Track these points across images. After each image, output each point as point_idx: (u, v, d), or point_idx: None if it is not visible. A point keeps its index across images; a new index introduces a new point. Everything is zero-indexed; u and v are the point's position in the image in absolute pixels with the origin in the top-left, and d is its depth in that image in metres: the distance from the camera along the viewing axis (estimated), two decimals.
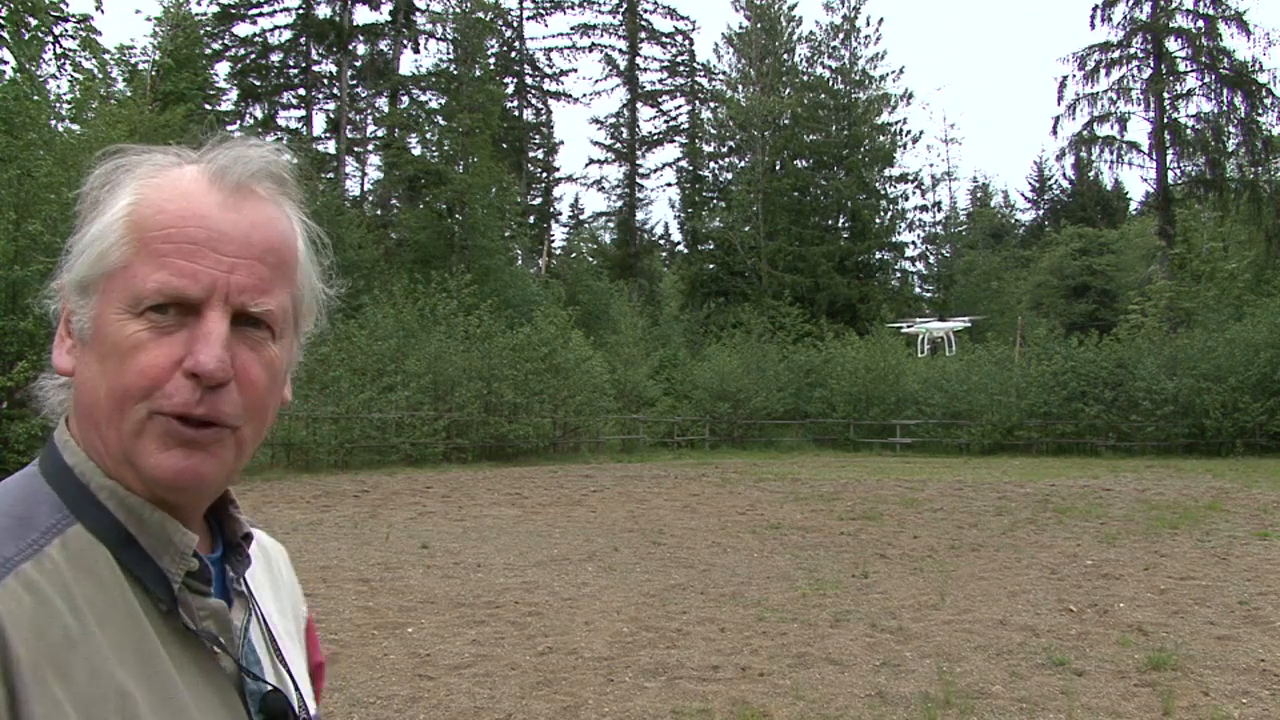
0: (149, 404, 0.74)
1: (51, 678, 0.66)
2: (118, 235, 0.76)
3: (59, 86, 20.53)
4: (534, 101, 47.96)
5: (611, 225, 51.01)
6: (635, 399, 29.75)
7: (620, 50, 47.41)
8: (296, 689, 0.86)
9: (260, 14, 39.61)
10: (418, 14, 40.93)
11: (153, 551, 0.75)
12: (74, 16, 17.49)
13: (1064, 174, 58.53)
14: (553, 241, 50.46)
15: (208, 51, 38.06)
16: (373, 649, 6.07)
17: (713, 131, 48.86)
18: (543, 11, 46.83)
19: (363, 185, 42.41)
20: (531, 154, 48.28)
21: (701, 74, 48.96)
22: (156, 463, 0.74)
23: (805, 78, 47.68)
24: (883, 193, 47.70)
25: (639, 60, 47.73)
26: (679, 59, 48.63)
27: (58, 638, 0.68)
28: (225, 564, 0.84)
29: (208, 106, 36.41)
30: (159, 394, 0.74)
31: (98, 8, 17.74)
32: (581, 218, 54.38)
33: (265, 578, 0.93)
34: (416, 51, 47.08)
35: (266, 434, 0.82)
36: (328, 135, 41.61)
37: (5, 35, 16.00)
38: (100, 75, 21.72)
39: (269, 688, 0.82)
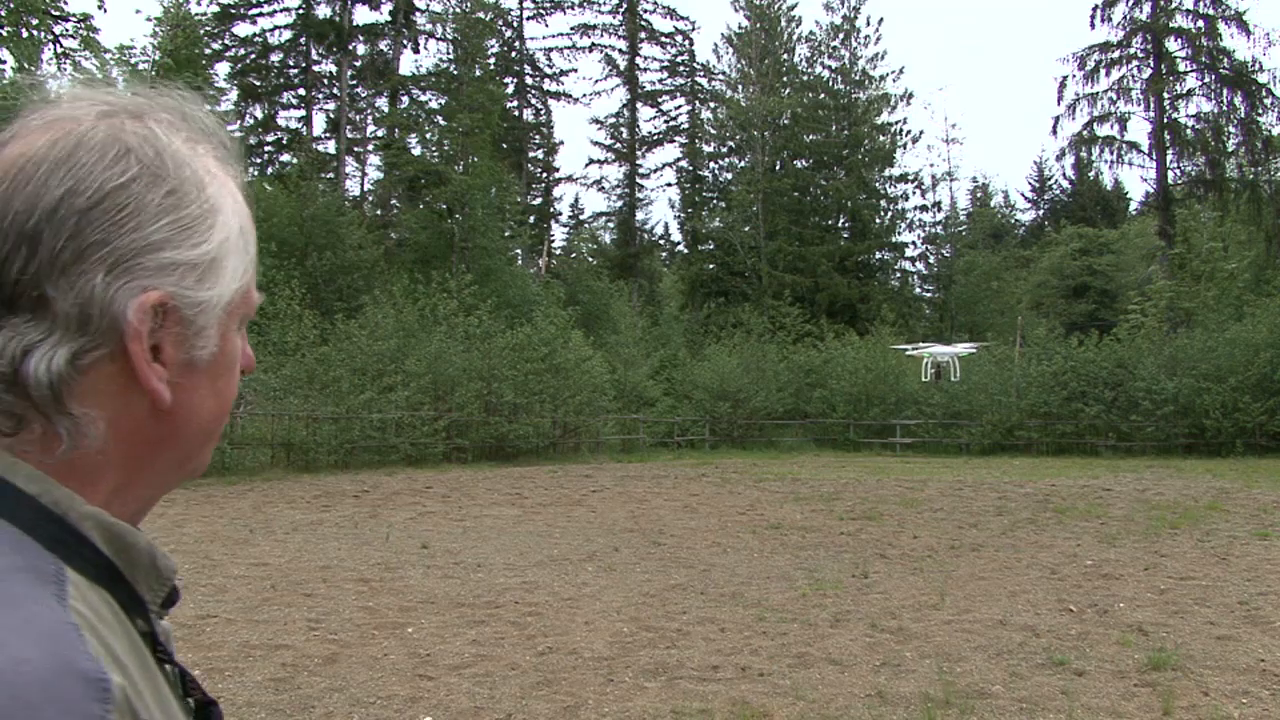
0: None
1: None
2: (250, 245, 0.70)
3: (59, 86, 20.53)
4: (534, 101, 47.97)
5: (611, 225, 51.03)
6: (635, 399, 29.76)
7: (620, 50, 47.43)
8: None
9: (260, 14, 39.66)
10: (418, 14, 40.94)
11: (134, 581, 0.65)
12: (74, 16, 17.50)
13: (1064, 174, 58.66)
14: (553, 241, 50.48)
15: (208, 51, 38.04)
16: (373, 649, 6.07)
17: (713, 131, 48.84)
18: (543, 11, 46.83)
19: (363, 185, 42.43)
20: (531, 154, 48.27)
21: (701, 74, 48.98)
22: (209, 456, 0.73)
23: (805, 78, 47.67)
24: (883, 193, 47.68)
25: (639, 60, 47.73)
26: (679, 59, 48.64)
27: (132, 700, 0.59)
28: None
29: (208, 107, 36.36)
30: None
31: (100, 6, 17.76)
32: (581, 218, 54.44)
33: None
34: (416, 51, 47.15)
35: None
36: (328, 135, 41.63)
37: (4, 34, 15.99)
38: (100, 75, 21.72)
39: (206, 702, 0.75)
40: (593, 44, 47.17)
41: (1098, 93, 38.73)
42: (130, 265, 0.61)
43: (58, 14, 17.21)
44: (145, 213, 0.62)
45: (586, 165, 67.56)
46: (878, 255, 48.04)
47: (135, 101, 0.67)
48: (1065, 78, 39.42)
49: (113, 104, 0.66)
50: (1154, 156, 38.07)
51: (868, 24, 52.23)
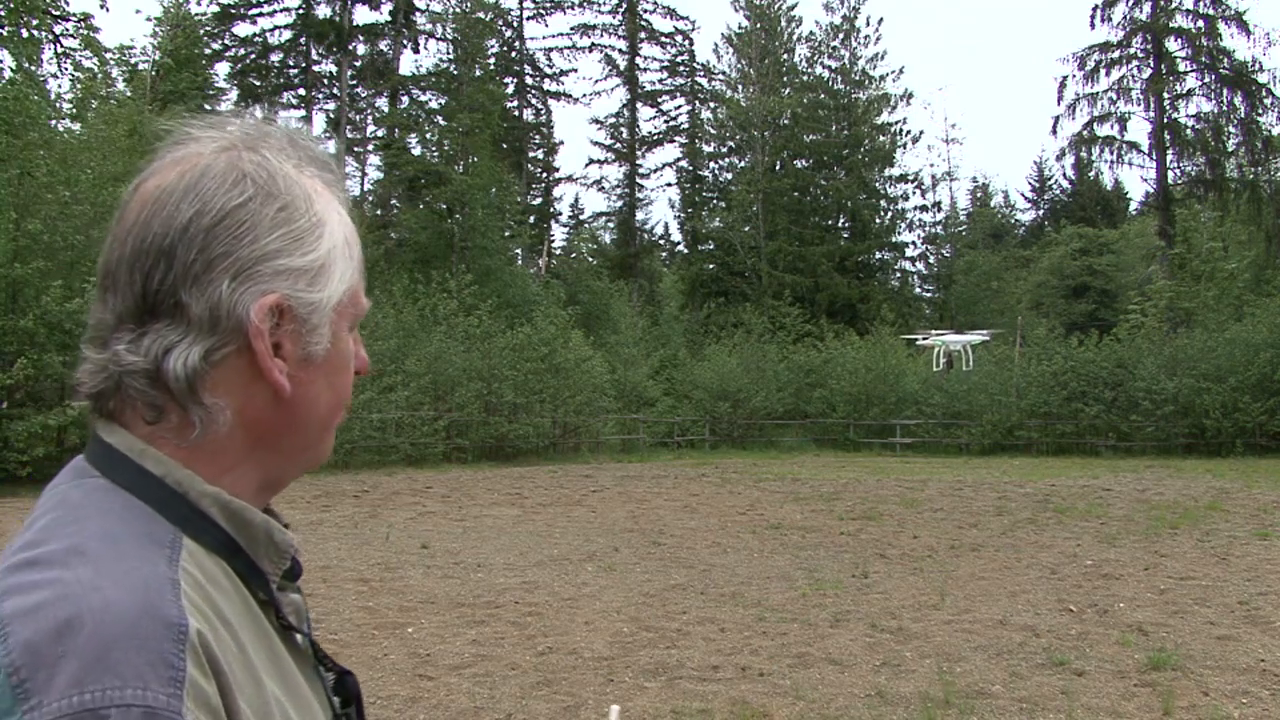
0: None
1: (238, 694, 0.66)
2: (355, 253, 0.80)
3: (59, 86, 20.56)
4: (534, 101, 47.90)
5: (611, 225, 50.97)
6: (635, 399, 29.75)
7: (620, 50, 47.35)
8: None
9: (260, 14, 39.60)
10: (418, 14, 40.91)
11: (254, 554, 0.75)
12: (74, 16, 17.51)
13: (1064, 174, 58.53)
14: (553, 241, 50.41)
15: (208, 51, 38.06)
16: (373, 649, 6.07)
17: (713, 131, 48.80)
18: (543, 11, 46.77)
19: (363, 185, 42.37)
20: (531, 154, 48.20)
21: (701, 74, 48.90)
22: (329, 446, 0.83)
23: (805, 78, 47.64)
24: (883, 193, 47.66)
25: (639, 60, 47.66)
26: (679, 59, 48.56)
27: (232, 654, 0.67)
28: None
29: (207, 107, 36.43)
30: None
31: (101, 6, 17.76)
32: (581, 218, 54.35)
33: None
34: (416, 51, 47.09)
35: None
36: (328, 135, 41.53)
37: (4, 34, 16.00)
38: (100, 75, 21.72)
39: (341, 672, 0.84)
40: (593, 44, 47.11)
41: (1098, 93, 38.73)
42: (251, 272, 0.72)
43: (58, 14, 17.22)
44: (261, 226, 0.72)
45: (586, 165, 67.48)
46: (878, 255, 48.04)
47: (249, 135, 0.77)
48: (1065, 78, 39.40)
49: (230, 138, 0.76)
50: (1154, 156, 38.05)
51: (867, 24, 52.18)
